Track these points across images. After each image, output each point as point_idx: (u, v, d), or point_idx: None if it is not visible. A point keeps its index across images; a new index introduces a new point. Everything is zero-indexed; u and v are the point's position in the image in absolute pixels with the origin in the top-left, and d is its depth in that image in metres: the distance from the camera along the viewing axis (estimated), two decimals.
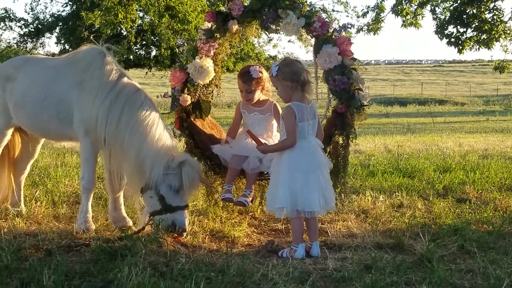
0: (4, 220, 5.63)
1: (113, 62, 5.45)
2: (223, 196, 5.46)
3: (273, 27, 5.49)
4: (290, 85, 4.76)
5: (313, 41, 5.36)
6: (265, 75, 5.60)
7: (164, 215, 4.98)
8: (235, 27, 5.52)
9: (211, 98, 5.96)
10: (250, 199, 5.49)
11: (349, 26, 5.32)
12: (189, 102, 5.64)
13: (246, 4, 5.56)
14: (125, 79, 5.37)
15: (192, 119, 5.74)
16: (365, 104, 5.24)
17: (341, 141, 5.27)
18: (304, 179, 4.72)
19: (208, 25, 5.62)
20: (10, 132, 5.91)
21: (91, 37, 5.70)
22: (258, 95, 5.64)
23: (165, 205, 4.97)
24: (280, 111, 5.63)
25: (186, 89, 5.69)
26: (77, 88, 5.35)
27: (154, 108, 5.29)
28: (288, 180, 4.69)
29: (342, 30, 5.26)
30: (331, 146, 5.31)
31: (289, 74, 4.76)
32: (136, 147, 5.01)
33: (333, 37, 5.21)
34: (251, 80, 5.55)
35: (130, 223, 5.50)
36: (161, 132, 5.13)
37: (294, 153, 4.74)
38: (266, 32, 5.63)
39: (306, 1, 5.41)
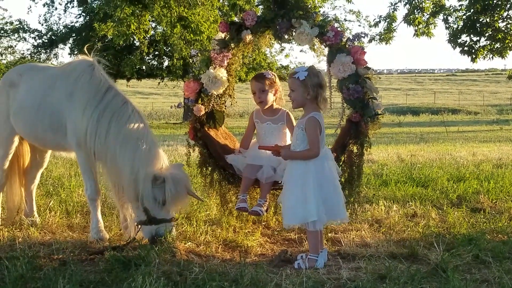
0: (19, 230, 5.67)
1: (102, 75, 5.48)
2: (238, 205, 5.45)
3: (286, 36, 5.50)
4: (312, 95, 4.71)
5: (326, 50, 5.36)
6: (278, 82, 5.62)
7: (149, 226, 5.02)
8: (249, 37, 5.53)
9: (225, 108, 5.97)
10: (265, 208, 5.48)
11: (363, 35, 5.31)
12: (203, 112, 5.65)
13: (259, 14, 5.58)
14: (113, 92, 5.40)
15: (206, 129, 5.75)
16: (379, 113, 5.22)
17: (355, 150, 5.25)
18: (332, 188, 4.73)
19: (221, 35, 5.64)
20: (17, 139, 5.98)
21: (85, 48, 5.75)
22: (272, 100, 5.62)
23: (150, 217, 5.01)
24: (293, 120, 5.63)
25: (200, 99, 5.70)
26: (67, 100, 5.42)
27: (142, 121, 5.31)
28: (318, 191, 4.63)
29: (356, 39, 5.25)
30: (345, 155, 5.29)
31: (317, 85, 4.71)
32: (129, 162, 5.04)
33: (347, 46, 5.21)
34: (264, 79, 5.55)
35: None
36: (150, 145, 5.16)
37: (320, 163, 4.70)
38: (279, 42, 5.63)
39: (319, 11, 5.41)
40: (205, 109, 5.69)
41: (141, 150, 5.06)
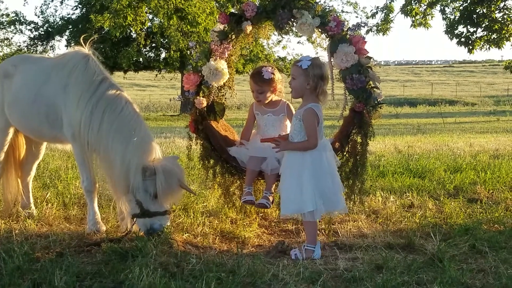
0: (15, 222, 5.67)
1: (97, 66, 5.46)
2: (244, 198, 5.44)
3: (287, 27, 5.46)
4: (311, 86, 4.71)
5: (325, 41, 5.33)
6: (277, 76, 5.58)
7: (143, 219, 5.00)
8: (249, 28, 5.49)
9: (225, 100, 5.94)
10: (271, 200, 5.46)
11: (363, 24, 5.30)
12: (204, 104, 5.61)
13: (257, 5, 5.53)
14: (107, 83, 5.37)
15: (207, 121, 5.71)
16: (380, 102, 5.21)
17: (359, 140, 5.24)
18: (330, 179, 4.72)
19: (220, 27, 5.60)
20: (12, 130, 5.97)
21: (81, 39, 5.72)
22: (270, 97, 5.62)
23: (143, 210, 4.99)
24: (294, 111, 5.61)
25: (201, 91, 5.66)
26: (63, 92, 5.40)
27: (136, 113, 5.28)
28: (315, 181, 4.63)
29: (356, 29, 5.23)
30: (349, 145, 5.28)
31: (319, 76, 4.70)
32: (121, 153, 5.03)
33: (348, 36, 5.19)
34: (263, 81, 5.53)
35: None
36: (143, 137, 5.14)
37: (317, 154, 4.69)
38: (280, 33, 5.57)
39: (319, 1, 5.38)
40: (206, 101, 5.65)
41: (133, 142, 5.04)
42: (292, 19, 5.36)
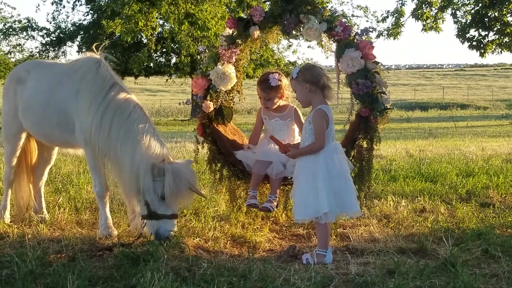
0: (28, 227, 5.70)
1: (108, 71, 5.50)
2: (248, 202, 5.46)
3: (294, 32, 5.48)
4: (309, 88, 4.73)
5: (334, 46, 5.34)
6: (284, 82, 5.59)
7: (151, 221, 5.03)
8: (257, 33, 5.52)
9: (233, 104, 5.97)
10: (275, 204, 5.47)
11: (371, 29, 5.29)
12: (211, 108, 5.65)
13: (266, 10, 5.56)
14: (117, 88, 5.41)
15: (215, 125, 5.75)
16: (388, 107, 5.20)
17: (365, 145, 5.23)
18: (343, 181, 4.71)
19: (229, 31, 5.63)
20: (24, 135, 6.01)
21: (93, 46, 5.76)
22: (277, 102, 5.64)
23: (150, 212, 5.01)
24: (301, 115, 5.63)
25: (209, 95, 5.69)
26: (75, 97, 5.45)
27: (144, 116, 5.31)
28: (329, 184, 4.62)
29: (364, 34, 5.23)
30: (355, 150, 5.27)
31: (309, 76, 4.73)
32: (130, 156, 5.06)
33: (355, 41, 5.18)
34: (270, 88, 5.55)
35: None
36: (151, 139, 5.15)
37: (330, 156, 4.69)
38: (287, 38, 5.61)
39: (327, 6, 5.39)
40: (213, 105, 5.69)
41: (141, 145, 5.07)
42: (299, 24, 5.37)
